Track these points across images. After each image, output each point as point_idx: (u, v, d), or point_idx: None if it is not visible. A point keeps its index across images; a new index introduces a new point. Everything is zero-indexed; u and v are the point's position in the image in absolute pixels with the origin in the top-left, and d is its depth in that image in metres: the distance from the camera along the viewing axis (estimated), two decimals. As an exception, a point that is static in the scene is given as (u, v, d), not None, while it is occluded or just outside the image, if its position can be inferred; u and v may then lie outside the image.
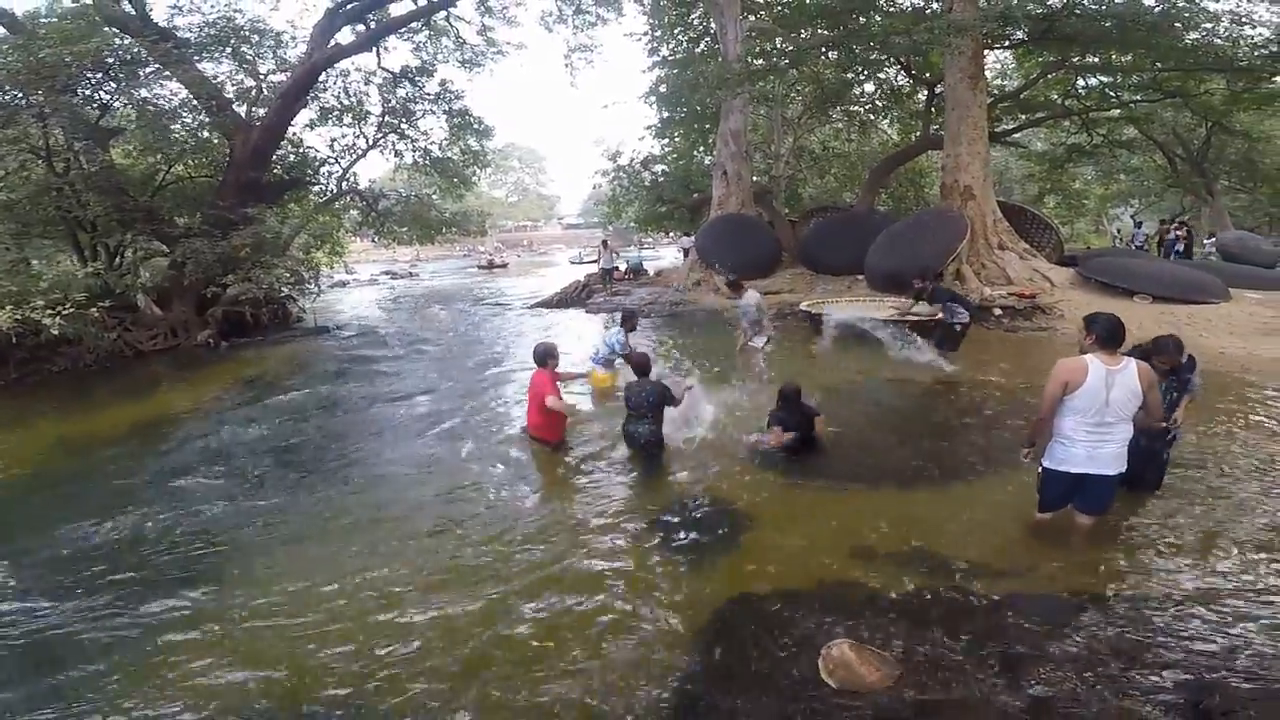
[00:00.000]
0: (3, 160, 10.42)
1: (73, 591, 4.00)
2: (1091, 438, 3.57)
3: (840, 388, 7.37)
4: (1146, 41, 11.92)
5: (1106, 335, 3.61)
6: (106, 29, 11.98)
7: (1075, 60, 14.38)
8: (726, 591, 3.62)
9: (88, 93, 12.08)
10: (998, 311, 10.73)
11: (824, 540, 4.14)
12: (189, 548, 4.50)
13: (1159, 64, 13.35)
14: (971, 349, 8.55)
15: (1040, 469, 3.84)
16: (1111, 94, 16.08)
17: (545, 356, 5.70)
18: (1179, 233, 17.19)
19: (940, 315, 8.21)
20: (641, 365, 5.62)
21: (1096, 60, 14.25)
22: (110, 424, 7.92)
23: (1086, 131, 17.50)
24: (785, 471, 5.18)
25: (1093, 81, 16.20)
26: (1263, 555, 3.74)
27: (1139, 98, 15.71)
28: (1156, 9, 11.64)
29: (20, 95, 10.90)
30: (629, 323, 8.12)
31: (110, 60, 11.71)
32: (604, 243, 19.02)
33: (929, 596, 3.49)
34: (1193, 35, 12.17)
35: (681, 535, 4.27)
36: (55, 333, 9.70)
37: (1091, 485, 3.70)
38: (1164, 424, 4.09)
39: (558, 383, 5.81)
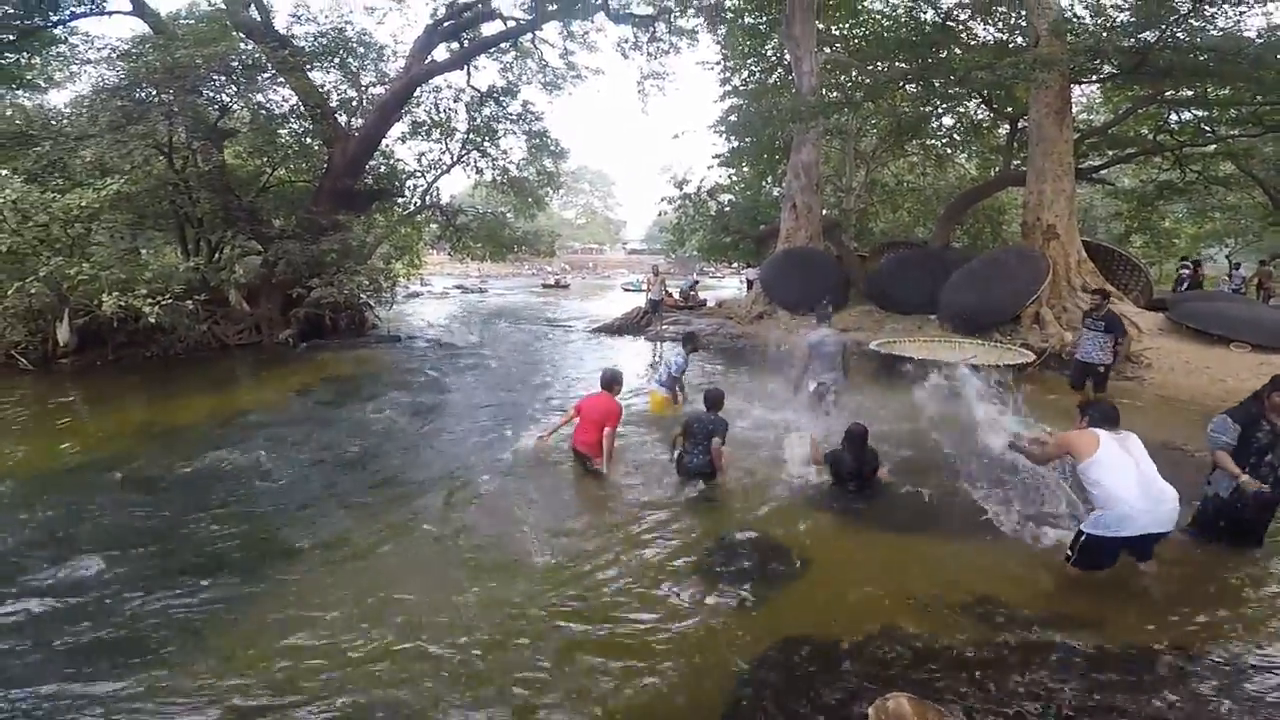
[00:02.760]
0: (130, 154, 11.04)
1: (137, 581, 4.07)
2: (1148, 498, 3.64)
3: (904, 432, 6.80)
4: (1248, 75, 11.39)
5: (1101, 418, 3.84)
6: (234, 34, 12.83)
7: (1169, 94, 13.83)
8: (773, 634, 3.47)
9: (211, 94, 12.81)
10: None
11: (878, 585, 3.99)
12: (248, 546, 4.59)
13: (1261, 97, 12.73)
14: (1046, 395, 8.18)
15: (1083, 536, 3.81)
16: (1208, 128, 15.41)
17: (611, 382, 6.00)
18: (1185, 270, 16.73)
19: (1031, 358, 7.67)
20: (713, 400, 5.70)
21: (1192, 94, 13.68)
22: (192, 413, 8.29)
23: (1179, 167, 16.72)
24: (839, 512, 5.02)
25: (1187, 116, 15.59)
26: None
27: (1238, 132, 14.99)
28: (1259, 40, 11.10)
29: (154, 93, 11.66)
30: (690, 344, 8.10)
31: (234, 64, 12.48)
32: (655, 269, 17.60)
33: (989, 649, 3.33)
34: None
35: (728, 573, 4.17)
36: (153, 320, 10.14)
37: (1149, 540, 3.79)
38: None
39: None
